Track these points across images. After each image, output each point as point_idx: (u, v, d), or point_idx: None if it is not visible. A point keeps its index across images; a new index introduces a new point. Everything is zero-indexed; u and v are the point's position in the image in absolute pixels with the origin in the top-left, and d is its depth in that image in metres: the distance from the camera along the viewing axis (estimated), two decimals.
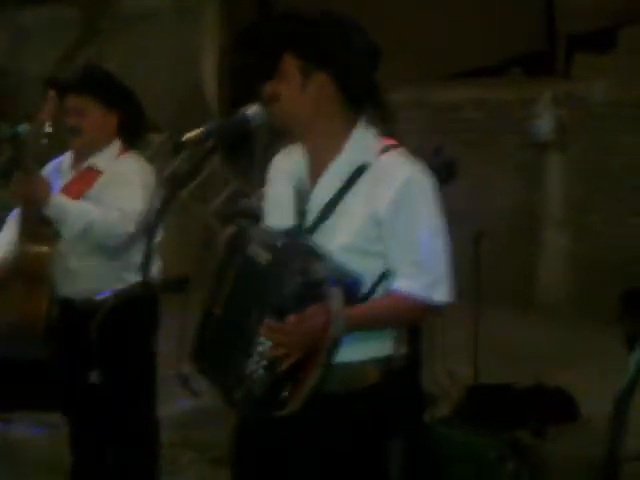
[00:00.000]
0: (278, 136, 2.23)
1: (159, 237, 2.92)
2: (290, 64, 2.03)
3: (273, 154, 2.26)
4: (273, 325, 1.91)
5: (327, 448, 2.05)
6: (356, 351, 2.02)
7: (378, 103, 2.09)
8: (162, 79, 7.94)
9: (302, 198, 2.08)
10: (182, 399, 4.43)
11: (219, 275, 2.09)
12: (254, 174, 7.11)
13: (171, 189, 2.06)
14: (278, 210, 2.15)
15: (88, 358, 2.79)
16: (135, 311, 2.87)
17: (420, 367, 3.59)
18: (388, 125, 2.14)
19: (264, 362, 1.93)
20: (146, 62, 8.04)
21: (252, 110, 2.08)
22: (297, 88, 2.03)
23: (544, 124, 6.64)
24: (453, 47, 7.08)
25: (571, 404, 4.12)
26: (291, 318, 1.90)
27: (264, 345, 1.93)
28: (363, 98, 2.07)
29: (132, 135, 3.07)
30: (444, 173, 3.55)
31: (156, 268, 3.02)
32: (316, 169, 2.09)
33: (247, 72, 7.46)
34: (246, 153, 7.01)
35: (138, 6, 8.31)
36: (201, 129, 2.04)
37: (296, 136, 2.13)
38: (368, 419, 2.08)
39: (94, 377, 2.76)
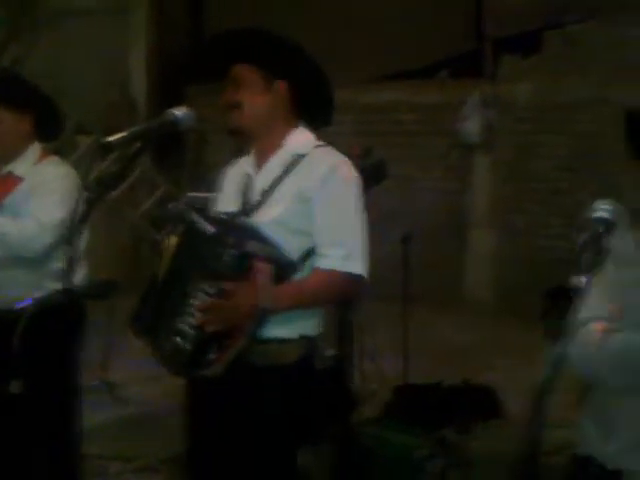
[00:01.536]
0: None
1: (84, 242, 2.87)
2: (252, 74, 2.30)
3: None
4: (204, 304, 2.10)
5: (251, 417, 2.20)
6: (280, 328, 2.20)
7: (323, 108, 2.37)
8: (91, 79, 7.82)
9: (246, 186, 2.32)
10: (108, 408, 4.37)
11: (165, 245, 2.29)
12: (183, 177, 7.06)
13: (97, 192, 2.05)
14: (226, 200, 2.37)
15: (9, 368, 2.71)
16: (57, 319, 2.80)
17: (350, 367, 3.61)
18: (325, 127, 2.41)
19: (193, 322, 2.11)
20: (74, 62, 7.91)
21: (180, 112, 2.12)
22: (259, 95, 2.29)
23: (472, 126, 6.74)
24: (382, 50, 7.15)
25: (496, 401, 4.19)
26: (225, 284, 2.10)
27: (196, 306, 2.12)
28: (313, 104, 2.34)
29: (49, 137, 3.00)
30: (373, 174, 3.59)
31: (81, 274, 2.95)
32: (260, 163, 2.34)
33: (179, 74, 7.43)
34: (176, 156, 6.96)
35: (66, 5, 8.16)
36: (127, 131, 2.07)
37: (250, 137, 2.36)
38: (287, 395, 2.22)
39: (14, 387, 2.68)
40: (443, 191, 6.97)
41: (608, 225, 1.72)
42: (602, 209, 1.74)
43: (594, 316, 1.86)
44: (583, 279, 1.60)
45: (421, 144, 7.01)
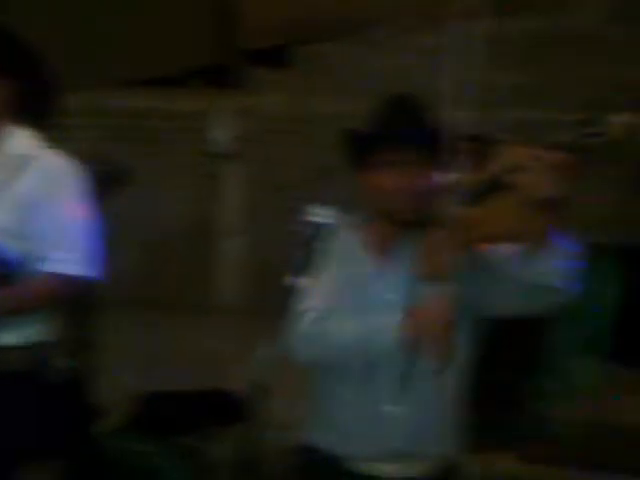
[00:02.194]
0: None
1: None
2: None
3: None
4: None
5: None
6: (3, 334, 2.19)
7: (49, 109, 2.34)
8: None
9: None
10: None
11: None
12: None
13: None
14: None
15: None
16: None
17: (90, 377, 3.53)
18: (49, 130, 2.37)
19: None
20: None
21: None
22: None
23: (223, 136, 6.84)
24: (134, 55, 7.07)
25: (240, 406, 4.26)
26: None
27: None
28: (39, 105, 2.30)
29: None
30: (113, 180, 3.55)
31: None
32: None
33: None
34: None
35: None
36: None
37: None
38: (10, 406, 2.21)
39: None
40: (193, 199, 7.00)
41: (322, 228, 1.85)
42: (318, 214, 1.88)
43: (309, 308, 1.98)
44: (298, 279, 1.71)
45: (172, 151, 7.00)
